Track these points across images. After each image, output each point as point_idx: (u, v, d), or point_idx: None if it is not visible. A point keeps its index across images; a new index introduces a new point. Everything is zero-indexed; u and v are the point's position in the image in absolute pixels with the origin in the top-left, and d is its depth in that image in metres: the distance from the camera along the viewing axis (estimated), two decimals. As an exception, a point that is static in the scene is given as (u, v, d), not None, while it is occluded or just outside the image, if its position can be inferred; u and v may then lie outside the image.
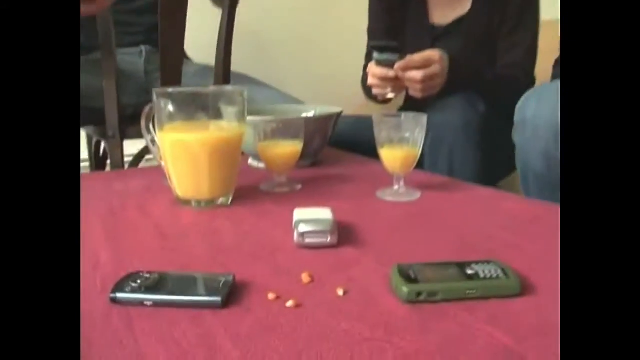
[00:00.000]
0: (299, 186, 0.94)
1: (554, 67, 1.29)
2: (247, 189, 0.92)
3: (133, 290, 0.47)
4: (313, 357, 0.38)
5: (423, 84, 1.15)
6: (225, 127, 0.81)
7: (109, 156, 1.36)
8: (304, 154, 1.07)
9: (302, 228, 0.61)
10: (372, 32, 1.52)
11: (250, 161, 1.17)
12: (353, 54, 1.59)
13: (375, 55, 1.20)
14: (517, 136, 1.04)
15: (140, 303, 0.46)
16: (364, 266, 0.56)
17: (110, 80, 1.22)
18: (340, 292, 0.49)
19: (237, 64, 1.47)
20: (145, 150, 1.57)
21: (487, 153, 1.20)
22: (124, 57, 1.44)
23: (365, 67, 1.54)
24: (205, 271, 0.54)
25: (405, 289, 0.47)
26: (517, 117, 1.04)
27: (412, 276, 0.49)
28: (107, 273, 0.54)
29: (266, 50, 2.05)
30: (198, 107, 0.80)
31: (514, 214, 0.75)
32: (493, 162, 1.24)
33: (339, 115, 1.17)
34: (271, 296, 0.48)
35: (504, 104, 1.16)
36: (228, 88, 0.85)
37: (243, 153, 1.29)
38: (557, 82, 1.01)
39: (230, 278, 0.50)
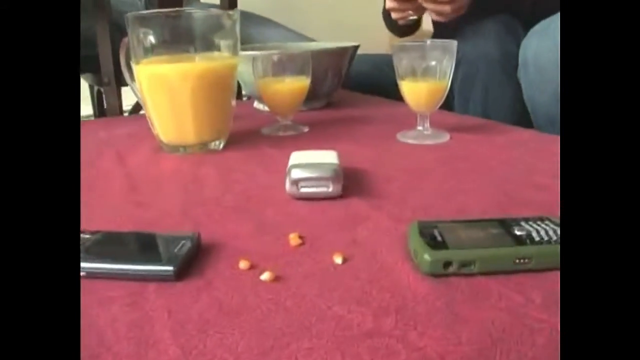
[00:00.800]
0: (306, 129, 0.80)
1: None
2: (246, 132, 0.79)
3: (61, 257, 0.35)
4: (283, 359, 0.26)
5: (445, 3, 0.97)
6: (212, 58, 0.67)
7: (104, 104, 1.25)
8: (315, 95, 0.92)
9: (297, 174, 0.47)
10: None
11: (256, 104, 1.03)
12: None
13: None
14: (522, 77, 0.93)
15: (68, 273, 0.35)
16: (374, 223, 0.42)
17: (102, 22, 1.10)
18: (338, 260, 0.36)
19: (248, 4, 1.31)
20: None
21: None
22: (122, -2, 1.30)
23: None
24: (169, 230, 0.42)
25: (427, 257, 0.33)
26: (520, 57, 0.92)
27: (438, 239, 0.35)
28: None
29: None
30: (181, 36, 0.66)
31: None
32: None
33: (355, 49, 1.00)
34: (243, 265, 0.35)
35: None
36: (214, 10, 0.69)
37: (249, 97, 1.16)
38: (558, 16, 0.86)
39: (193, 240, 0.37)
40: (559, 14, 0.88)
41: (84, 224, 0.39)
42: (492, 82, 1.01)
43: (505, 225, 0.37)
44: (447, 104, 0.81)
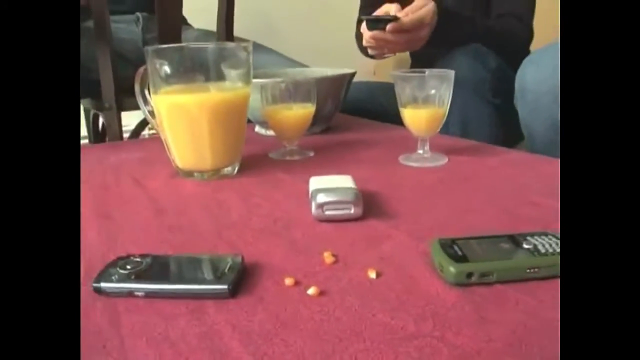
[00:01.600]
0: (312, 153, 0.84)
1: None
2: (254, 157, 0.83)
3: (121, 279, 0.39)
4: (346, 359, 0.30)
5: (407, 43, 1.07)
6: (227, 88, 0.72)
7: (106, 129, 1.27)
8: (315, 120, 0.97)
9: (321, 198, 0.52)
10: None
11: (257, 129, 1.08)
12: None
13: (369, 25, 1.09)
14: (519, 105, 0.97)
15: (130, 294, 0.38)
16: (396, 242, 0.47)
17: (104, 48, 1.13)
18: (373, 275, 0.40)
19: (240, 32, 1.37)
20: (145, 122, 1.48)
21: (503, 112, 1.10)
22: (119, 25, 1.34)
23: (358, 20, 1.43)
24: (209, 252, 0.46)
25: (452, 269, 0.38)
26: (517, 84, 0.96)
27: (459, 253, 0.40)
28: (92, 257, 0.45)
29: (270, 17, 1.92)
30: (197, 67, 0.70)
31: (557, 179, 0.65)
32: (511, 122, 1.14)
33: (352, 76, 1.07)
34: (288, 281, 0.39)
35: (507, 58, 1.09)
36: (230, 43, 0.74)
37: (249, 121, 1.21)
38: (556, 45, 0.92)
39: (239, 260, 0.41)
40: (552, 43, 0.94)
41: (120, 249, 0.42)
42: (469, 106, 1.09)
43: (514, 240, 0.42)
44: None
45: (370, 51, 1.17)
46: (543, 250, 0.40)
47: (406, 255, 0.44)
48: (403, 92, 0.76)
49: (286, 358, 0.30)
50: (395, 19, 1.04)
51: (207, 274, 0.41)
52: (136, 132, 1.45)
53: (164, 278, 0.40)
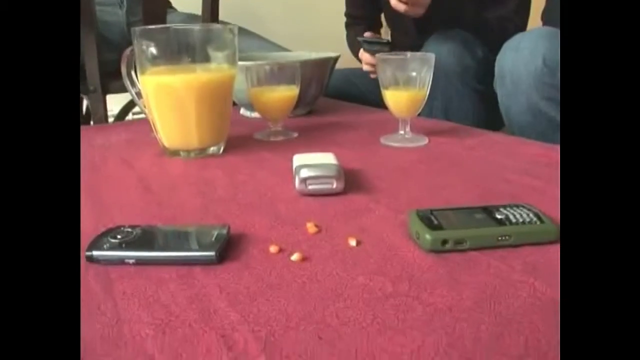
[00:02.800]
0: (296, 134, 0.86)
1: (542, 16, 1.22)
2: (239, 138, 0.84)
3: (112, 247, 0.41)
4: (328, 316, 0.32)
5: None
6: (213, 69, 0.73)
7: (91, 112, 1.27)
8: (299, 102, 0.98)
9: (304, 173, 0.54)
10: None
11: (243, 111, 1.09)
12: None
13: (365, 46, 1.18)
14: (498, 89, 1.00)
15: (121, 261, 0.40)
16: (376, 214, 0.49)
17: (88, 31, 1.12)
18: (353, 243, 0.42)
19: (224, 17, 1.36)
20: (131, 105, 1.48)
21: (486, 102, 1.12)
22: (104, 8, 1.33)
23: (346, 24, 1.46)
24: (196, 223, 0.48)
25: (428, 237, 0.40)
26: (496, 69, 0.99)
27: (435, 222, 0.42)
28: (84, 232, 0.46)
29: (255, 3, 1.92)
30: (183, 49, 0.71)
31: (534, 159, 0.68)
32: (495, 108, 1.17)
33: (336, 60, 1.08)
34: (273, 249, 0.41)
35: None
36: (216, 25, 0.75)
37: (235, 103, 1.22)
38: (535, 31, 0.95)
39: (225, 230, 0.43)
40: (530, 31, 0.96)
41: (110, 223, 0.44)
42: (452, 93, 1.11)
43: (488, 211, 0.45)
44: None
45: (372, 75, 1.24)
46: (514, 220, 0.43)
47: (385, 226, 0.46)
48: (384, 73, 0.78)
49: (270, 315, 0.33)
50: (389, 42, 1.10)
51: (195, 242, 0.42)
52: (120, 115, 1.45)
53: (154, 246, 0.41)
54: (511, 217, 0.43)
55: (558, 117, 0.90)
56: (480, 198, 0.53)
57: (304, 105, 1.05)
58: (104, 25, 1.28)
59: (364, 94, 1.34)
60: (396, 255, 0.40)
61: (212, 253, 0.39)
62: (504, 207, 0.46)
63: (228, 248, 0.42)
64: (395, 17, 1.23)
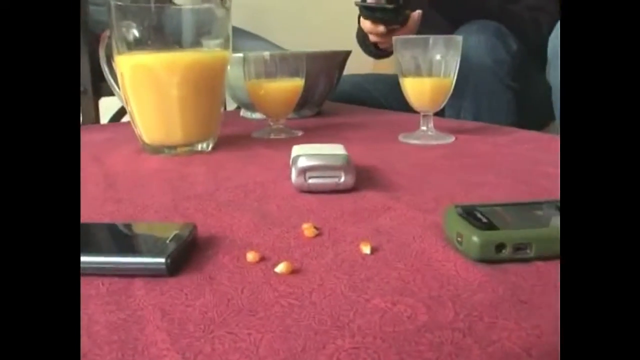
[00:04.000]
0: (300, 133, 0.74)
1: None
2: (235, 136, 0.73)
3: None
4: (323, 363, 0.19)
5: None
6: (203, 50, 0.62)
7: (81, 114, 1.18)
8: (306, 102, 0.87)
9: (303, 163, 0.42)
10: None
11: (243, 112, 0.98)
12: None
13: (364, 12, 0.97)
14: (552, 76, 0.89)
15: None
16: (397, 213, 0.37)
17: (81, 32, 1.07)
18: (367, 250, 0.30)
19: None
20: (124, 110, 1.39)
21: (521, 98, 1.00)
22: (98, 8, 1.26)
23: (359, 17, 1.33)
24: (150, 221, 0.36)
25: (476, 240, 0.28)
26: (549, 52, 0.88)
27: (484, 220, 0.30)
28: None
29: (261, 11, 1.83)
30: (168, 29, 0.60)
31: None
32: (528, 110, 1.04)
33: (347, 55, 0.97)
34: (251, 257, 0.29)
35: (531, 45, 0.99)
36: (207, 3, 0.64)
37: (238, 107, 1.11)
38: None
39: (188, 230, 0.31)
40: None
41: None
42: (484, 91, 0.98)
43: (552, 206, 0.32)
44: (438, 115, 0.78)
45: (378, 42, 1.07)
46: (593, 220, 0.30)
47: (410, 228, 0.33)
48: (403, 58, 0.66)
49: (231, 358, 0.20)
50: (390, 5, 0.94)
51: (142, 244, 0.30)
52: (116, 118, 1.36)
53: (83, 250, 0.29)
54: (591, 215, 0.30)
55: None
56: (525, 195, 0.41)
57: (312, 105, 0.93)
58: (97, 25, 1.21)
59: (377, 99, 1.21)
60: (429, 267, 0.27)
61: (160, 260, 0.27)
62: (577, 203, 0.33)
63: (188, 254, 0.30)
64: (421, 6, 1.11)
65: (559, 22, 0.87)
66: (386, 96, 1.21)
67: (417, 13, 0.98)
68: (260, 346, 0.21)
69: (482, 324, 0.22)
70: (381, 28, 0.97)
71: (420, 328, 0.21)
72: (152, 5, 0.59)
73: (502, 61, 0.96)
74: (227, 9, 0.62)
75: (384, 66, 1.61)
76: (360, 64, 1.29)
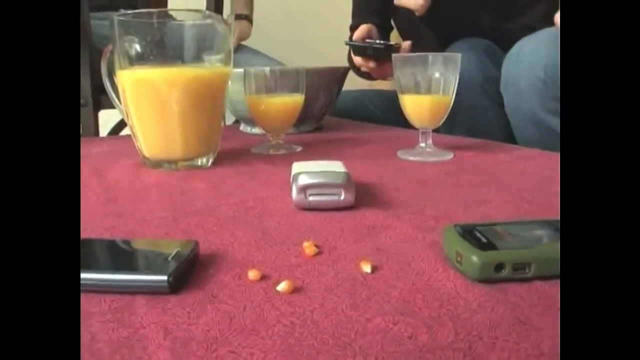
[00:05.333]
0: (299, 148, 0.75)
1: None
2: (234, 151, 0.73)
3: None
4: (325, 383, 0.20)
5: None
6: (204, 66, 0.62)
7: (81, 127, 1.18)
8: (305, 117, 0.88)
9: (304, 180, 0.42)
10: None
11: (243, 127, 0.98)
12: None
13: (355, 50, 1.01)
14: (504, 97, 0.92)
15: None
16: (397, 232, 0.37)
17: (83, 45, 1.09)
18: (367, 268, 0.30)
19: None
20: (124, 122, 1.39)
21: None
22: (100, 22, 1.27)
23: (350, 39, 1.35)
24: (152, 239, 0.36)
25: (476, 259, 0.28)
26: (502, 77, 0.91)
27: (483, 240, 0.30)
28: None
29: (261, 26, 1.85)
30: (170, 44, 0.61)
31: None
32: None
33: (346, 71, 0.98)
34: (253, 275, 0.29)
35: None
36: (208, 19, 0.65)
37: (237, 121, 1.12)
38: (539, 34, 0.87)
39: (190, 248, 0.31)
40: (533, 35, 0.88)
41: None
42: (476, 108, 1.00)
43: (553, 225, 0.32)
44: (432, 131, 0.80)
45: (373, 75, 1.11)
46: (591, 241, 0.30)
47: (410, 247, 0.34)
48: (403, 76, 0.67)
49: (234, 378, 0.20)
50: (382, 46, 0.96)
51: (145, 262, 0.30)
52: (115, 131, 1.36)
53: (85, 267, 0.29)
54: (589, 235, 0.31)
55: None
56: (528, 214, 0.41)
57: (311, 120, 0.94)
58: (99, 40, 1.22)
59: (376, 115, 1.22)
60: (429, 286, 0.28)
61: (162, 277, 0.27)
62: (575, 222, 0.33)
63: (190, 272, 0.30)
64: (411, 29, 1.13)
65: (510, 50, 0.90)
66: (384, 112, 1.22)
67: (407, 44, 1.00)
68: (263, 366, 0.21)
69: (482, 344, 0.22)
70: (372, 63, 1.00)
71: (422, 348, 0.22)
72: (155, 20, 0.60)
73: (492, 78, 0.98)
74: (229, 25, 0.63)
75: (382, 82, 1.63)
76: (358, 80, 1.30)
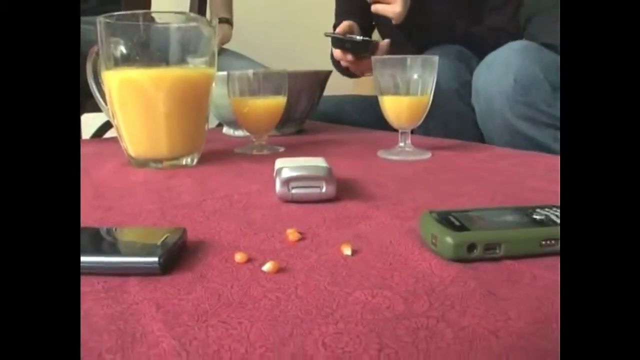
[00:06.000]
0: (282, 149, 0.76)
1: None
2: (217, 152, 0.75)
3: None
4: (311, 345, 0.21)
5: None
6: (189, 67, 0.64)
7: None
8: (287, 119, 0.89)
9: (287, 173, 0.44)
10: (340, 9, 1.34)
11: (225, 130, 1.00)
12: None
13: (334, 42, 1.04)
14: (475, 105, 0.95)
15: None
16: (376, 221, 0.39)
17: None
18: (347, 251, 0.32)
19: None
20: (106, 127, 1.39)
21: None
22: (87, 27, 1.27)
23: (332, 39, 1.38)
24: (141, 226, 0.37)
25: (450, 240, 0.30)
26: (472, 86, 0.94)
27: (457, 223, 0.32)
28: None
29: (242, 30, 1.87)
30: (155, 46, 0.62)
31: (548, 167, 0.59)
32: None
33: (328, 74, 1.00)
34: (239, 257, 0.31)
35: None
36: (194, 19, 0.67)
37: (219, 125, 1.13)
38: (510, 45, 0.91)
39: (178, 234, 0.32)
40: (506, 46, 0.91)
41: None
42: (451, 113, 1.03)
43: (522, 211, 0.35)
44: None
45: (351, 69, 1.13)
46: (559, 222, 0.33)
47: (388, 234, 0.35)
48: (382, 77, 0.69)
49: (224, 343, 0.21)
50: (363, 41, 1.00)
51: (134, 245, 0.31)
52: (101, 130, 1.36)
53: (81, 250, 0.30)
54: (554, 217, 0.33)
55: (537, 136, 0.85)
56: (498, 203, 0.43)
57: (293, 122, 0.96)
58: (86, 44, 1.22)
59: (356, 119, 1.25)
60: (406, 266, 0.30)
61: (154, 259, 0.29)
62: (541, 207, 0.35)
63: (179, 256, 0.31)
64: (390, 29, 1.15)
65: (481, 62, 0.93)
66: (364, 116, 1.25)
67: (386, 42, 1.04)
68: (251, 332, 0.22)
69: (454, 312, 0.24)
70: (350, 57, 1.03)
71: (398, 316, 0.23)
72: (141, 23, 0.61)
73: (467, 83, 1.01)
74: (213, 27, 0.64)
75: (363, 87, 1.65)
76: (340, 85, 1.33)
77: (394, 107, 0.69)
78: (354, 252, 0.32)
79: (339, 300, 0.25)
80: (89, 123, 1.28)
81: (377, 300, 0.25)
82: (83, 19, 1.20)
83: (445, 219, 0.33)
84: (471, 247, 0.30)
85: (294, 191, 0.44)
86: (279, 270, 0.29)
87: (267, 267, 0.29)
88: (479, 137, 1.03)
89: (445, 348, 0.21)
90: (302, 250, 0.32)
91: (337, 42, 1.02)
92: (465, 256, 0.30)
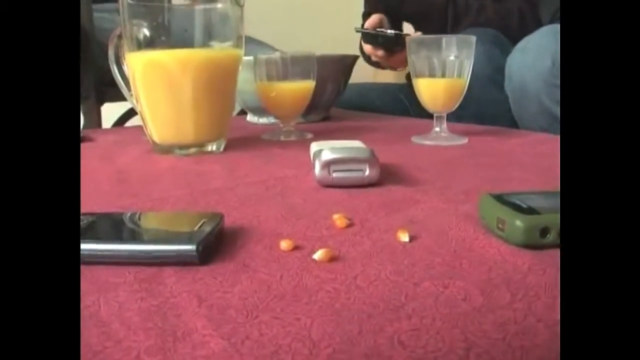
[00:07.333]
0: (310, 135, 0.73)
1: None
2: (245, 139, 0.72)
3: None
4: (386, 344, 0.18)
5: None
6: (215, 48, 0.61)
7: (83, 120, 1.17)
8: (313, 106, 0.86)
9: (327, 156, 0.41)
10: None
11: (250, 117, 0.97)
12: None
13: (365, 38, 1.01)
14: (508, 91, 0.91)
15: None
16: (428, 205, 0.35)
17: (84, 38, 1.07)
18: (405, 237, 0.28)
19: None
20: (131, 112, 1.38)
21: None
22: (102, 15, 1.25)
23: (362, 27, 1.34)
24: (175, 211, 0.34)
25: (520, 224, 0.26)
26: (506, 71, 0.90)
27: (524, 206, 0.28)
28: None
29: (263, 19, 1.83)
30: (180, 29, 0.59)
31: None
32: None
33: (354, 59, 0.96)
34: (285, 245, 0.28)
35: None
36: (220, 3, 0.64)
37: (242, 112, 1.10)
38: (544, 29, 0.87)
39: (216, 220, 0.30)
40: (538, 31, 0.87)
41: None
42: (485, 99, 0.98)
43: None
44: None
45: (382, 64, 1.11)
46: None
47: (445, 218, 0.32)
48: (418, 58, 0.65)
49: (282, 342, 0.18)
50: (395, 35, 0.96)
51: (169, 232, 0.29)
52: (122, 119, 1.34)
53: (109, 237, 0.28)
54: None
55: None
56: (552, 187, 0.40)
57: (319, 109, 0.92)
58: (101, 33, 1.21)
59: (379, 108, 1.21)
60: (472, 252, 0.26)
61: (191, 247, 0.26)
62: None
63: (218, 243, 0.28)
64: (421, 17, 1.11)
65: (515, 47, 0.89)
66: (386, 104, 1.21)
67: (418, 35, 0.99)
68: (312, 330, 0.19)
69: (542, 304, 0.20)
70: (381, 52, 0.99)
71: (480, 309, 0.20)
72: (165, 4, 0.58)
73: (501, 68, 0.96)
74: (241, 7, 0.61)
75: (384, 75, 1.61)
76: (362, 72, 1.29)
77: (429, 90, 0.66)
78: (411, 238, 0.29)
79: (406, 292, 0.22)
80: (110, 112, 1.27)
81: (450, 291, 0.22)
82: (97, 7, 1.20)
83: (511, 202, 0.29)
84: (544, 231, 0.26)
85: (335, 175, 0.41)
86: (332, 259, 0.26)
87: (319, 255, 0.26)
88: (512, 125, 0.99)
89: (542, 345, 0.18)
90: (354, 237, 0.29)
91: (369, 37, 0.99)
92: (537, 241, 0.26)
